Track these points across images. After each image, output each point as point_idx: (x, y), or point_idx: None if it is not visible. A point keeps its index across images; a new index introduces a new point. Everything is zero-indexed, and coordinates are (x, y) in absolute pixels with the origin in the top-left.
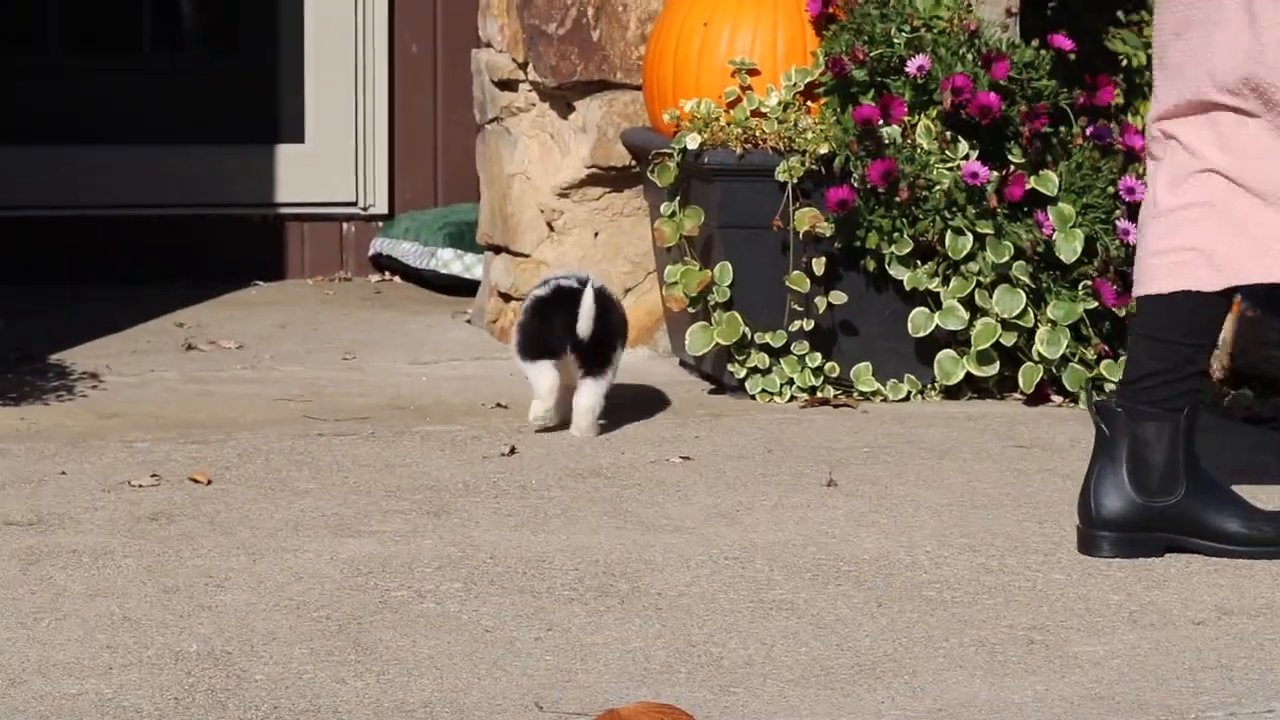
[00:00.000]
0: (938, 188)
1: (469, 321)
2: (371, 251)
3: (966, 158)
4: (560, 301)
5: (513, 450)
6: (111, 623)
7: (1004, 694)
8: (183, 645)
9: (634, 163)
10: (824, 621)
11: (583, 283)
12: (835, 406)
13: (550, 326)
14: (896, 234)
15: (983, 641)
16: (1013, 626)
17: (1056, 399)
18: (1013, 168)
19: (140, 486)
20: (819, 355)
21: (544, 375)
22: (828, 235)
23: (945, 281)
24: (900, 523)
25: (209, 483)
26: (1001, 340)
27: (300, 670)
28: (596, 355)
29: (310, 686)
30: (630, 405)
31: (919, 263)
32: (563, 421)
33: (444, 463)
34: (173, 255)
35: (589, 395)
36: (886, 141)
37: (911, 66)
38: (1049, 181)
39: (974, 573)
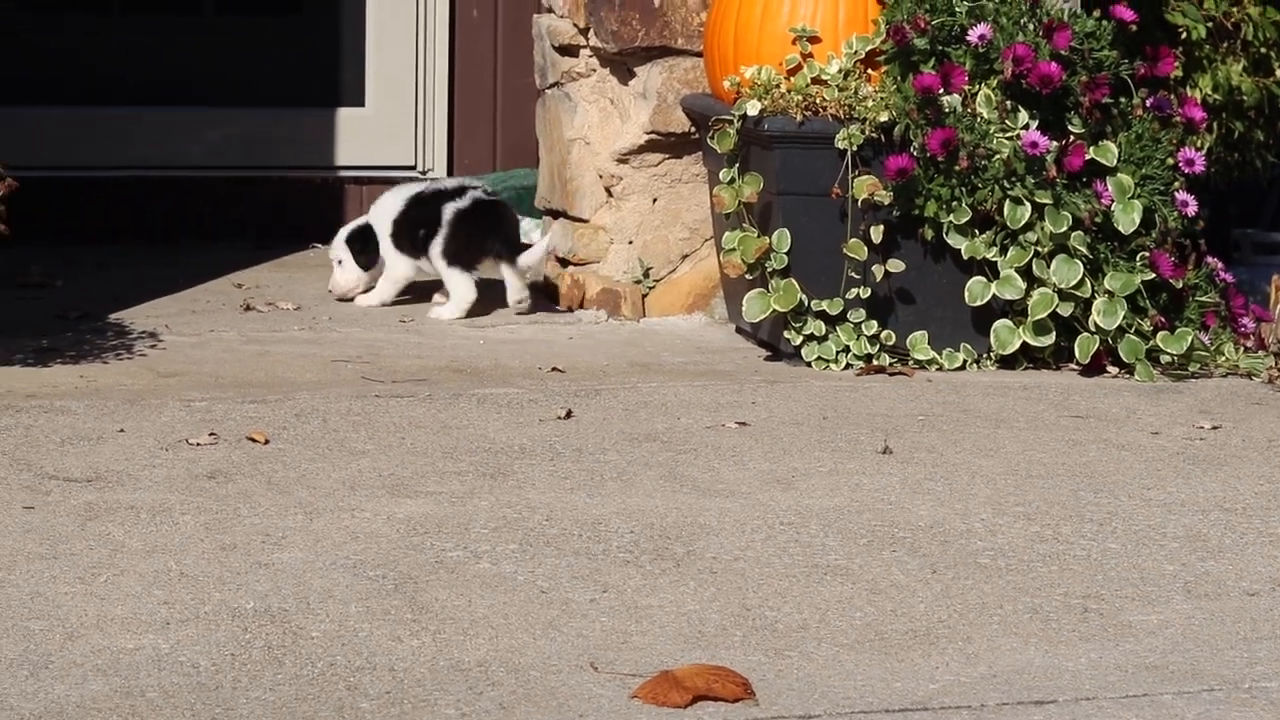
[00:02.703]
0: (997, 157)
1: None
2: None
3: (1026, 127)
4: None
5: (569, 414)
6: (169, 579)
7: (1058, 661)
8: (239, 602)
9: (693, 129)
10: (878, 587)
11: None
12: (891, 375)
13: None
14: (955, 203)
15: (1037, 609)
16: (1067, 595)
17: (1112, 370)
18: (1072, 138)
19: (198, 445)
20: (875, 323)
21: None
22: (886, 203)
23: (1003, 251)
24: (955, 490)
25: (266, 442)
26: (1058, 310)
27: (356, 628)
28: None
29: (366, 644)
30: (686, 371)
31: (977, 232)
32: None
33: (500, 425)
34: (232, 217)
35: None
36: (947, 110)
37: (973, 35)
38: (1108, 152)
39: (1029, 541)
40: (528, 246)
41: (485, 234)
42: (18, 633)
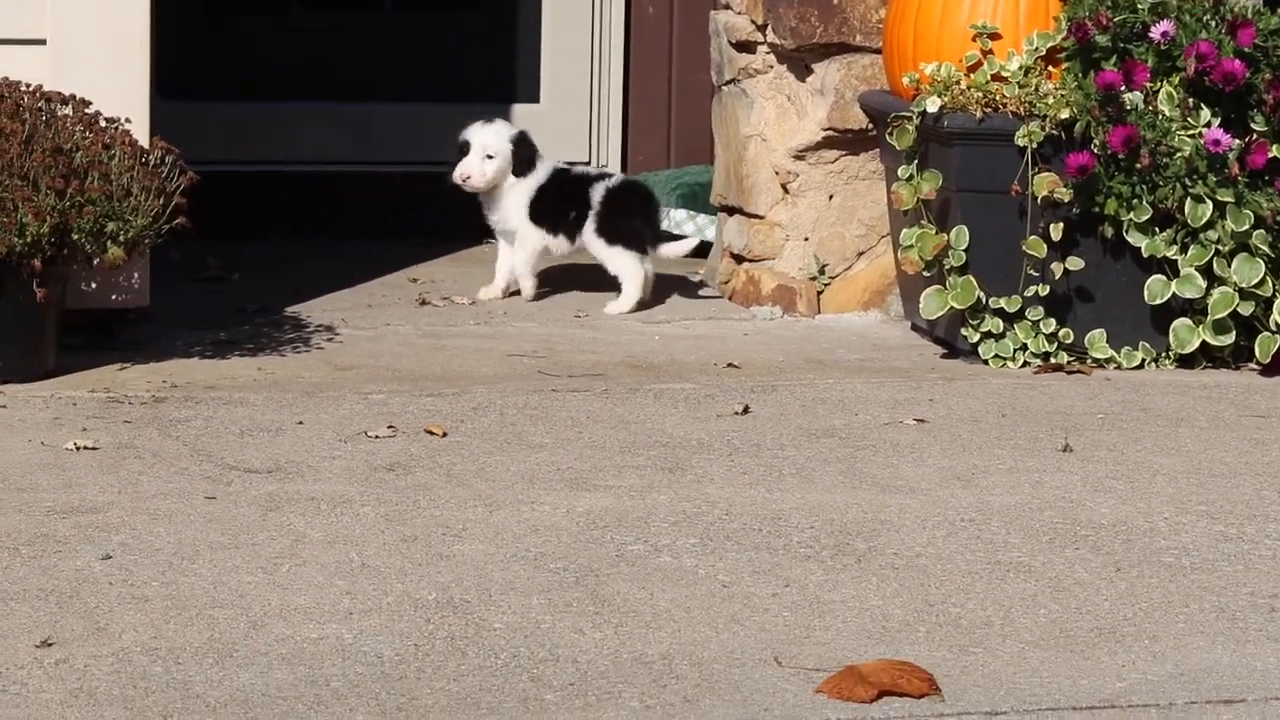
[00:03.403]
0: (1179, 155)
1: (701, 282)
2: None
3: (1208, 125)
4: None
5: (746, 409)
6: (350, 569)
7: (1246, 660)
8: (421, 593)
9: (870, 126)
10: (1062, 584)
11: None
12: (1069, 373)
13: None
14: (1136, 200)
15: (1223, 608)
16: (1254, 594)
17: None
18: (1255, 135)
19: (377, 437)
20: (1053, 321)
21: None
22: (1066, 200)
23: (1183, 249)
24: (1137, 489)
25: (444, 435)
26: (1239, 309)
27: (538, 620)
28: None
29: (549, 636)
30: (862, 368)
31: (1157, 230)
32: None
33: (677, 420)
34: (407, 211)
35: None
36: (1128, 107)
37: (1155, 32)
38: None
39: (1212, 540)
40: (677, 237)
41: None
42: (202, 621)
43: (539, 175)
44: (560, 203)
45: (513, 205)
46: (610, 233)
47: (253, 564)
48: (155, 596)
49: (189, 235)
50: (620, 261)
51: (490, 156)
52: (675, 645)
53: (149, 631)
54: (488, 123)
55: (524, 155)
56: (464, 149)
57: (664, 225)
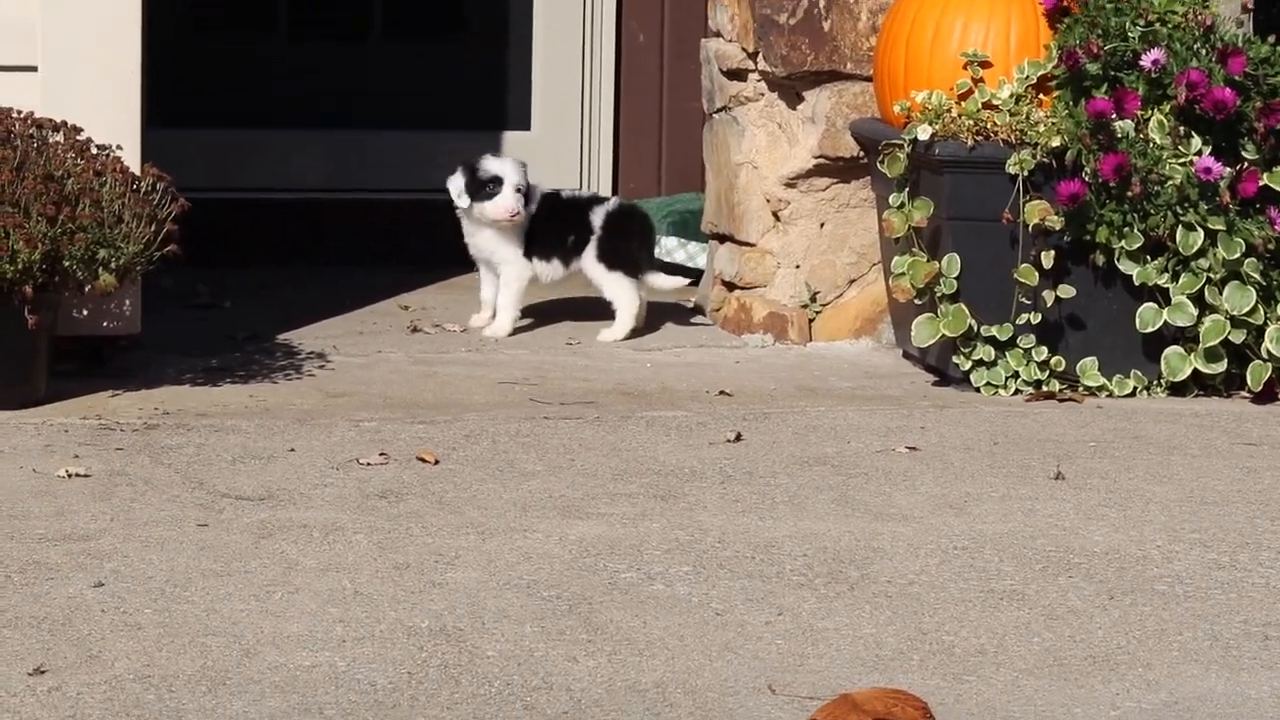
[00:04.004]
0: (1170, 183)
1: (693, 309)
2: None
3: (1199, 153)
4: None
5: (738, 437)
6: (343, 597)
7: (1240, 689)
8: (414, 621)
9: (862, 154)
10: (1055, 613)
11: None
12: (1060, 401)
13: None
14: (1127, 229)
15: (1217, 636)
16: (1247, 622)
17: None
18: (1246, 164)
19: (369, 465)
20: (1045, 349)
21: None
22: (1057, 229)
23: (1175, 277)
24: (1129, 517)
25: (436, 462)
26: (1230, 337)
27: (532, 648)
28: None
29: (542, 664)
30: (854, 396)
31: (1149, 258)
32: None
33: (670, 448)
34: (396, 239)
35: None
36: (1119, 135)
37: (1146, 61)
38: None
39: (1205, 568)
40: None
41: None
42: (195, 649)
43: (533, 203)
44: (558, 228)
45: (514, 235)
46: (611, 258)
47: (245, 592)
48: (148, 624)
49: (180, 262)
50: (618, 288)
51: (519, 190)
52: (669, 673)
53: (142, 659)
54: (499, 156)
55: (529, 185)
56: (493, 183)
57: (655, 253)
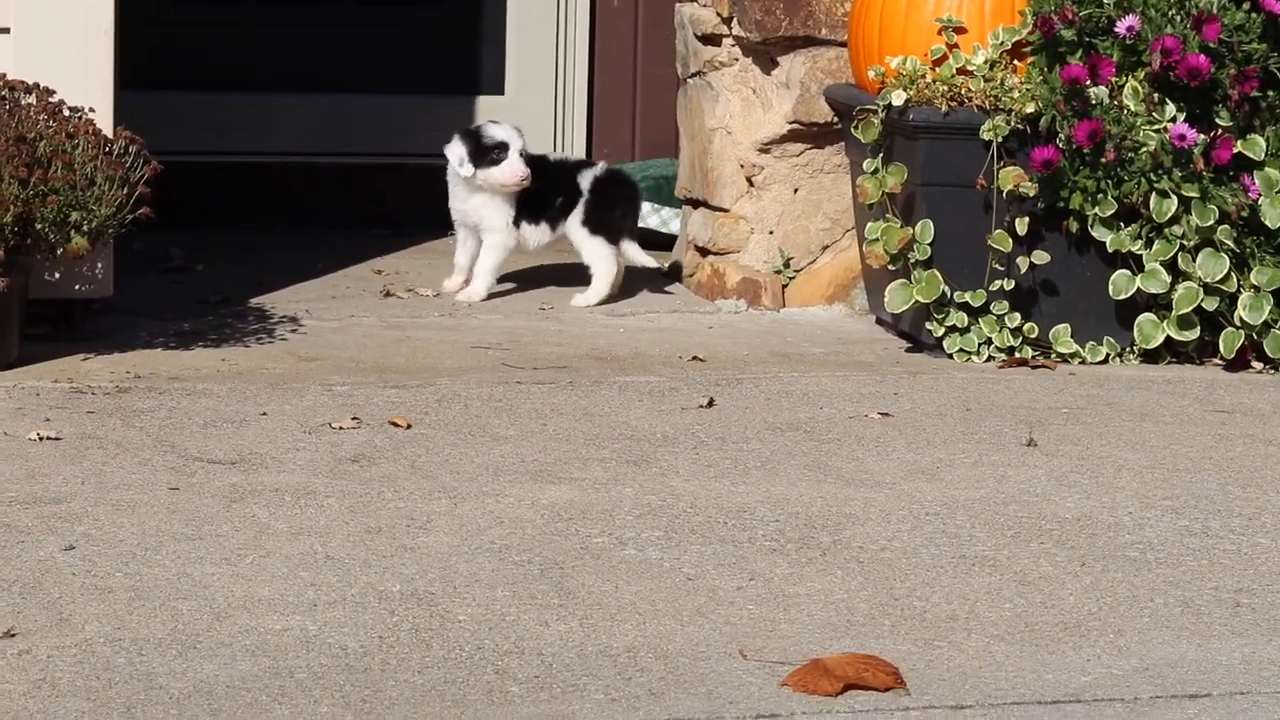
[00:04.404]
0: (1144, 149)
1: (666, 275)
2: None
3: (1174, 120)
4: None
5: (711, 402)
6: (315, 561)
7: (1211, 655)
8: (386, 585)
9: (836, 119)
10: (1027, 579)
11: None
12: (1033, 367)
13: None
14: (1100, 195)
15: (1188, 603)
16: (1218, 589)
17: (1256, 365)
18: (1220, 131)
19: (341, 429)
20: (1018, 315)
21: None
22: (1031, 195)
23: (1148, 244)
24: (1101, 483)
25: (409, 427)
26: (1203, 304)
27: (503, 612)
28: None
29: (514, 628)
30: (827, 361)
31: (1122, 224)
32: None
33: (642, 413)
34: (371, 204)
35: None
36: (1093, 102)
37: (1121, 27)
38: (1256, 145)
39: (1177, 535)
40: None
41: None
42: (166, 612)
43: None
44: (547, 192)
45: (503, 202)
46: (594, 223)
47: (216, 555)
48: (119, 587)
49: (152, 224)
50: (598, 253)
51: (522, 155)
52: (640, 638)
53: (112, 622)
54: (497, 123)
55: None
56: (499, 149)
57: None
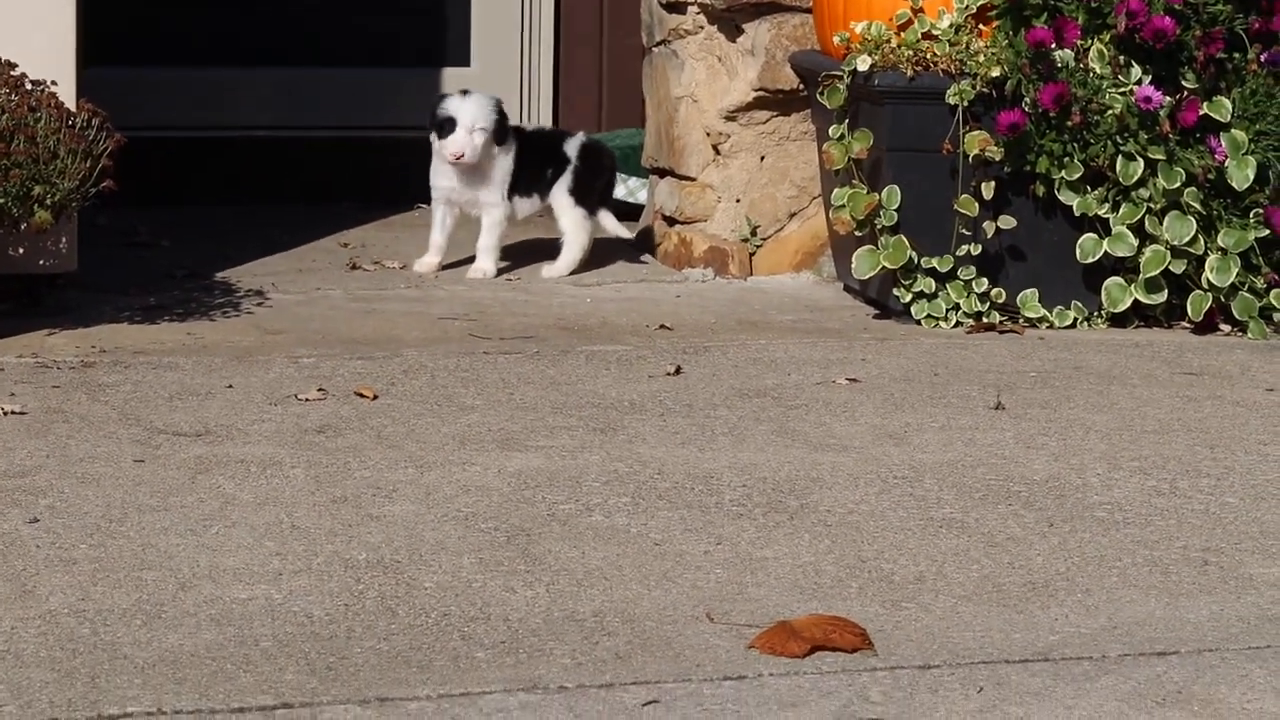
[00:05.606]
0: (1110, 112)
1: (633, 244)
2: None
3: (1139, 82)
4: None
5: (678, 370)
6: (280, 531)
7: (1179, 613)
8: (351, 554)
9: (802, 86)
10: (995, 540)
11: None
12: (1001, 332)
13: None
14: (1067, 159)
15: (1156, 562)
16: (1186, 548)
17: (1224, 327)
18: (1186, 93)
19: (306, 400)
20: (985, 280)
21: None
22: (997, 159)
23: (1115, 207)
24: (1069, 445)
25: (375, 398)
26: (1171, 267)
27: (470, 579)
28: None
29: (480, 595)
30: (794, 329)
31: (1089, 188)
32: None
33: (609, 381)
34: (337, 177)
35: None
36: (1059, 65)
37: None
38: (1222, 107)
39: (1145, 495)
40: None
41: None
42: (130, 583)
43: (513, 142)
44: (538, 164)
45: (498, 176)
46: (577, 193)
47: (181, 526)
48: (83, 559)
49: (116, 199)
50: (576, 223)
51: (483, 129)
52: (607, 603)
53: (77, 594)
54: (466, 95)
55: (506, 124)
56: (447, 124)
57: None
